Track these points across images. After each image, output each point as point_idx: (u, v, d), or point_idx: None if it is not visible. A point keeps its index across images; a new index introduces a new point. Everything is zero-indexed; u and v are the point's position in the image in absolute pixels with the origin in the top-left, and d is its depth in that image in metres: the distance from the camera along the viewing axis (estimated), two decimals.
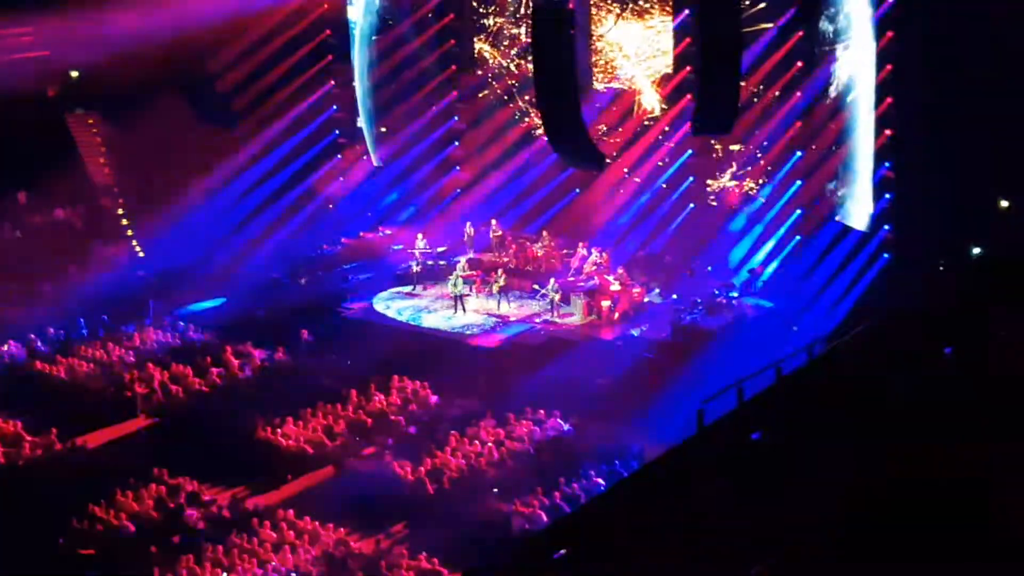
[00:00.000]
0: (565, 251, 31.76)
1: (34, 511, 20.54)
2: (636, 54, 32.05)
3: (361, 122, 35.27)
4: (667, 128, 31.85)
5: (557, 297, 28.94)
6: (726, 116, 19.71)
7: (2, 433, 23.79)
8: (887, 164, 27.35)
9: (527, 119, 34.00)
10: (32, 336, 28.77)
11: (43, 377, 27.11)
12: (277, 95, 34.77)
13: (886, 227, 27.53)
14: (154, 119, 31.98)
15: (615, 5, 32.14)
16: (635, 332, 27.62)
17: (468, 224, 33.57)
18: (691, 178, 31.75)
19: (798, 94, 29.54)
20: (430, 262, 32.09)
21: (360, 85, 34.88)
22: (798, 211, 29.89)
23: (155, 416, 25.43)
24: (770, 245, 30.22)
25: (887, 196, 27.49)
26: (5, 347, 28.43)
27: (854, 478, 9.76)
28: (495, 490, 21.19)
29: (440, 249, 32.82)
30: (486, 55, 35.15)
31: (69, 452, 23.34)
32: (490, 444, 22.60)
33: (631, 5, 31.84)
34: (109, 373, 27.02)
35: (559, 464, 21.84)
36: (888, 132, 27.21)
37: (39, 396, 26.18)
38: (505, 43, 34.70)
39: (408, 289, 31.80)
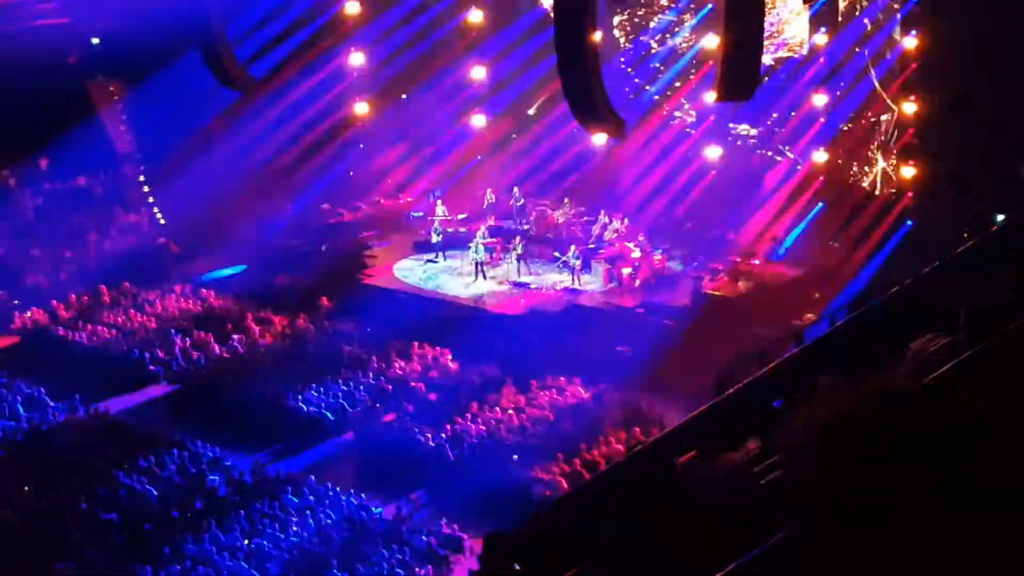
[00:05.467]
0: (586, 218, 31.66)
1: (57, 476, 20.70)
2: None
3: None
4: (685, 103, 31.78)
5: (578, 264, 28.86)
6: (748, 82, 19.53)
7: (26, 398, 23.93)
8: (911, 130, 27.15)
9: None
10: (54, 302, 28.92)
11: (65, 343, 27.25)
12: (297, 61, 34.63)
13: (909, 193, 27.37)
14: (175, 86, 31.97)
15: None
16: (655, 299, 27.55)
17: (489, 191, 33.49)
18: (713, 144, 31.62)
19: (821, 60, 29.32)
20: (450, 229, 32.02)
21: None
22: (820, 177, 29.72)
23: (177, 382, 25.56)
24: (793, 212, 30.09)
25: (911, 162, 27.31)
26: (28, 313, 28.61)
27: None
28: (515, 457, 21.22)
29: (460, 216, 32.77)
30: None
31: (92, 418, 23.48)
32: (510, 411, 22.62)
33: None
34: (131, 339, 27.13)
35: (579, 431, 21.84)
36: (912, 98, 27.01)
37: (62, 362, 26.32)
38: None
39: (428, 256, 31.78)
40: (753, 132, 31.31)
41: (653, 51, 32.83)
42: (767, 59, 30.18)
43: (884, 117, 27.93)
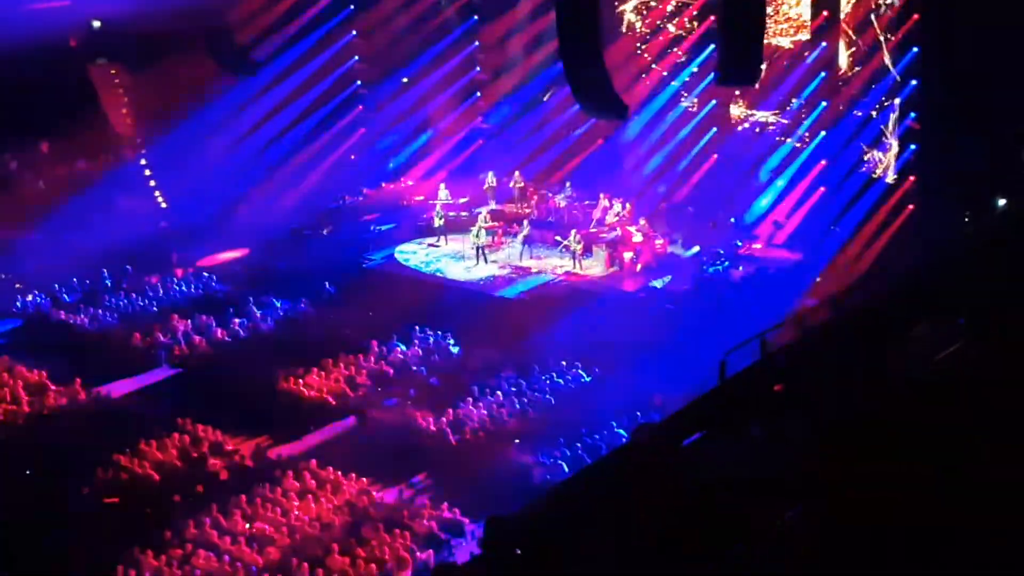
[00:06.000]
0: (587, 202, 31.59)
1: (59, 460, 20.71)
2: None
3: None
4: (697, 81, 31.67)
5: (579, 248, 28.83)
6: (751, 67, 19.44)
7: (27, 382, 23.94)
8: (912, 115, 27.10)
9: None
10: (56, 286, 28.93)
11: (67, 327, 27.27)
12: (298, 45, 34.56)
13: (911, 178, 27.33)
14: (176, 69, 31.92)
15: None
16: (657, 284, 27.54)
17: (490, 175, 33.43)
18: (714, 129, 31.60)
19: (823, 44, 29.24)
20: (452, 213, 31.97)
21: None
22: (823, 162, 29.68)
23: (178, 366, 25.55)
24: (795, 196, 30.04)
25: (912, 147, 27.29)
26: (30, 297, 28.63)
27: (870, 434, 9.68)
28: (516, 441, 21.24)
29: (462, 200, 32.72)
30: None
31: (93, 402, 23.49)
32: (512, 395, 22.63)
33: None
34: (133, 323, 27.12)
35: (580, 415, 21.85)
36: (914, 82, 26.97)
37: (63, 346, 26.28)
38: None
39: (430, 240, 31.74)
40: (772, 119, 31.09)
41: (672, 34, 32.56)
42: (785, 43, 30.15)
43: (897, 100, 27.84)
